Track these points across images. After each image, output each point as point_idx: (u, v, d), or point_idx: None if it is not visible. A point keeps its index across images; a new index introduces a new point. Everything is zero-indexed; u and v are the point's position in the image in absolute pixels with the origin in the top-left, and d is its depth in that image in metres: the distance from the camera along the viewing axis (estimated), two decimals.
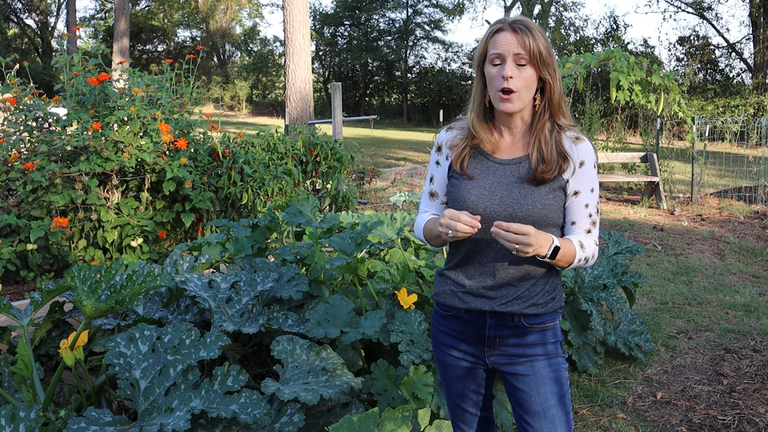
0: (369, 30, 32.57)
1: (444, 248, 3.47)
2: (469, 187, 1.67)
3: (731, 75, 25.76)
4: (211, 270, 3.30)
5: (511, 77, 1.58)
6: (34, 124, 4.62)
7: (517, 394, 1.70)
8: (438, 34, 34.48)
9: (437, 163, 1.78)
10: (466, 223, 1.53)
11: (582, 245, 1.65)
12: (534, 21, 1.71)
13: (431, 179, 1.80)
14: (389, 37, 32.76)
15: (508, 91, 1.60)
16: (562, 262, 1.61)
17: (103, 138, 4.38)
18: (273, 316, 2.61)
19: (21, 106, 4.51)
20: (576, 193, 1.65)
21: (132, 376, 2.09)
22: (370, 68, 32.87)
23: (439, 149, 1.78)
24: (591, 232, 1.67)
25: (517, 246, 1.50)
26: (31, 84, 4.79)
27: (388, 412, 1.92)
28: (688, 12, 27.44)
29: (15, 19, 31.29)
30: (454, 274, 1.74)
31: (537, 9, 28.98)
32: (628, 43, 27.65)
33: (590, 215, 1.67)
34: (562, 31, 29.61)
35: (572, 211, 1.67)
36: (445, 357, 1.81)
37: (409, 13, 32.18)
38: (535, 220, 1.61)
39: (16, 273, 4.23)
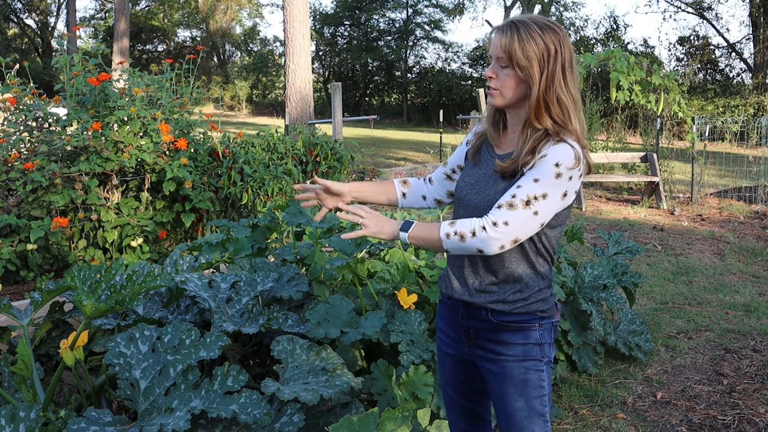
0: (369, 30, 32.57)
1: None
2: (464, 175, 1.78)
3: (731, 75, 25.77)
4: (211, 270, 3.29)
5: (490, 77, 1.66)
6: (34, 124, 4.62)
7: (491, 390, 1.75)
8: (438, 34, 34.49)
9: (462, 143, 1.89)
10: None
11: (452, 222, 1.61)
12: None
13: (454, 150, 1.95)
14: (389, 37, 32.76)
15: (492, 88, 1.67)
16: (420, 240, 1.65)
17: (103, 138, 4.38)
18: (273, 316, 2.61)
19: (21, 106, 4.51)
20: (522, 177, 1.59)
21: (132, 376, 2.09)
22: (370, 68, 32.86)
23: (470, 134, 1.90)
24: (501, 207, 1.56)
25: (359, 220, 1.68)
26: (31, 84, 4.79)
27: (388, 412, 1.92)
28: (688, 12, 27.46)
29: (15, 19, 31.30)
30: (447, 262, 1.85)
31: (537, 9, 28.99)
32: (628, 43, 27.65)
33: (513, 195, 1.56)
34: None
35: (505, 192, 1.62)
36: (440, 342, 1.90)
37: (409, 13, 32.18)
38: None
39: (16, 273, 4.23)
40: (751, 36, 24.88)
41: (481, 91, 9.81)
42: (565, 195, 1.59)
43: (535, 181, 1.56)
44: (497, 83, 1.65)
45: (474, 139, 1.82)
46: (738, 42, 26.35)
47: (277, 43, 36.35)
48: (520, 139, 1.65)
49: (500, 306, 1.68)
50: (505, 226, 1.55)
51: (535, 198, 1.55)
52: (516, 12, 30.53)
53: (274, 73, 33.54)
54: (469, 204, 1.71)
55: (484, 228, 1.56)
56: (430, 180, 1.96)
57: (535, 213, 1.56)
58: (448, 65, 32.98)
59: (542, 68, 1.59)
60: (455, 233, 1.59)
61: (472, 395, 1.89)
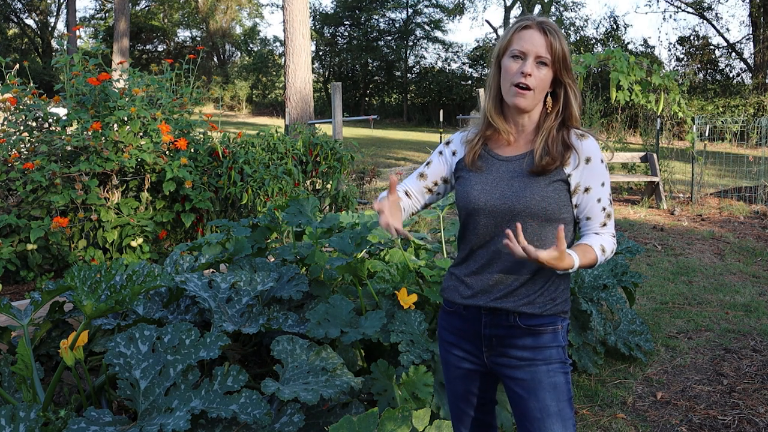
0: (369, 30, 32.57)
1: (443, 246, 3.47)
2: (474, 183, 1.70)
3: (731, 75, 25.77)
4: (211, 270, 3.29)
5: (529, 74, 1.61)
6: (34, 124, 4.62)
7: (516, 398, 1.68)
8: (438, 34, 34.50)
9: (440, 153, 1.83)
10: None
11: (603, 248, 1.65)
12: None
13: (428, 163, 1.85)
14: (389, 37, 32.76)
15: (523, 87, 1.62)
16: (584, 267, 1.65)
17: (103, 138, 4.38)
18: (273, 316, 2.61)
19: (21, 106, 4.51)
20: (587, 190, 1.65)
21: (132, 376, 2.09)
22: (370, 68, 32.86)
23: (448, 143, 1.83)
24: (606, 224, 1.67)
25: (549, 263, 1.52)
26: (31, 84, 4.79)
27: (388, 412, 1.92)
28: (688, 12, 27.46)
29: (15, 19, 31.29)
30: (457, 270, 1.76)
31: (537, 9, 28.99)
32: (628, 43, 27.66)
33: (604, 209, 1.67)
34: (562, 31, 29.57)
35: (586, 208, 1.67)
36: (448, 356, 1.81)
37: (409, 13, 32.19)
38: (534, 212, 1.61)
39: (16, 273, 4.23)
40: (751, 36, 24.88)
41: (481, 91, 9.81)
42: None
43: (603, 185, 1.67)
44: (533, 82, 1.62)
45: (466, 146, 1.77)
46: (738, 42, 26.37)
47: (277, 43, 36.37)
48: (540, 138, 1.67)
49: (530, 309, 1.65)
50: (614, 237, 1.71)
51: (610, 197, 1.70)
52: (516, 12, 30.52)
53: (274, 73, 33.53)
54: (495, 210, 1.64)
55: (614, 244, 1.69)
56: (407, 194, 1.85)
57: (613, 208, 1.71)
58: (448, 65, 33.01)
59: (571, 69, 1.68)
60: (605, 259, 1.67)
61: (483, 406, 1.84)
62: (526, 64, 1.61)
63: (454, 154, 1.80)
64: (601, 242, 1.65)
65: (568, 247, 1.66)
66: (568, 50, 1.66)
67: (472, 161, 1.73)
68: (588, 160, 1.64)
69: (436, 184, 1.83)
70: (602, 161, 1.66)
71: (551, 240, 1.63)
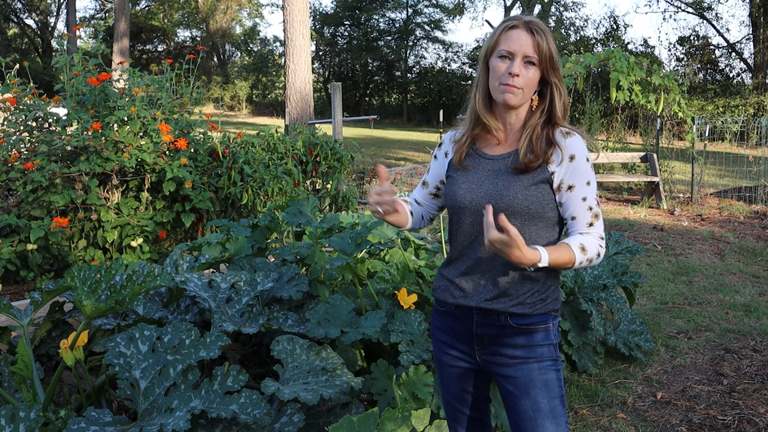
0: (369, 30, 32.57)
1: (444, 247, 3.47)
2: (460, 182, 1.71)
3: (731, 75, 25.77)
4: (211, 270, 3.29)
5: (517, 75, 1.61)
6: (34, 124, 4.62)
7: (508, 396, 1.69)
8: (438, 34, 34.48)
9: (435, 157, 1.86)
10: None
11: (583, 248, 1.60)
12: None
13: (428, 170, 1.89)
14: (389, 37, 32.76)
15: (512, 86, 1.63)
16: (558, 266, 1.59)
17: (103, 138, 4.38)
18: (273, 316, 2.61)
19: (21, 106, 4.51)
20: (570, 188, 1.63)
21: (132, 376, 2.09)
22: (370, 68, 32.87)
23: (440, 146, 1.85)
24: (593, 225, 1.63)
25: (497, 247, 1.48)
26: (31, 84, 4.79)
27: (388, 412, 1.92)
28: (688, 12, 27.46)
29: (15, 19, 31.29)
30: (447, 270, 1.77)
31: (537, 9, 28.99)
32: (628, 43, 27.66)
33: (590, 208, 1.63)
34: (562, 31, 29.60)
35: (570, 207, 1.65)
36: (441, 355, 1.82)
37: (409, 13, 32.19)
38: (516, 211, 1.61)
39: (16, 273, 4.23)
40: (751, 36, 24.88)
41: None
42: None
43: (588, 183, 1.64)
44: (520, 82, 1.62)
45: (454, 146, 1.78)
46: (738, 42, 26.37)
47: (277, 43, 36.38)
48: (524, 135, 1.67)
49: (520, 309, 1.65)
50: (603, 240, 1.65)
51: (596, 198, 1.67)
52: (516, 12, 30.52)
53: (274, 73, 33.54)
54: (480, 209, 1.65)
55: (601, 246, 1.63)
56: (417, 202, 1.90)
57: (601, 209, 1.67)
58: (448, 65, 33.01)
59: (558, 68, 1.67)
60: (588, 260, 1.61)
61: (478, 404, 1.85)
62: (514, 64, 1.62)
63: (446, 155, 1.81)
64: (582, 242, 1.61)
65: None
66: (556, 49, 1.65)
67: (459, 160, 1.74)
68: (572, 158, 1.63)
69: (438, 188, 1.86)
70: (587, 160, 1.64)
71: (535, 239, 1.64)
